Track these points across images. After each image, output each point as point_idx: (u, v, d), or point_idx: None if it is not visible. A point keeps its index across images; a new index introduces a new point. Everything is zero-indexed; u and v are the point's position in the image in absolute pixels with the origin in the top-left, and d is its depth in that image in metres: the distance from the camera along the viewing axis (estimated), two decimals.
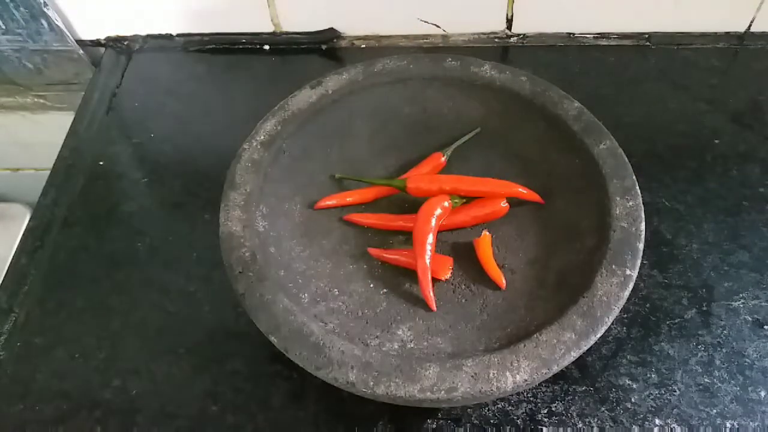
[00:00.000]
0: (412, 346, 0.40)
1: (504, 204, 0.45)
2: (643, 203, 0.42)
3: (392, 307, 0.42)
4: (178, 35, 0.66)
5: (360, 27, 0.64)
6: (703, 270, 0.47)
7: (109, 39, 0.66)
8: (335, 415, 0.42)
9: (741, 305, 0.45)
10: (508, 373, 0.35)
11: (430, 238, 0.43)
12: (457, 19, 0.63)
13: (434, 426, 0.41)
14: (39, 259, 0.51)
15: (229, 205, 0.43)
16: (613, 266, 0.39)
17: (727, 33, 0.62)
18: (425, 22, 0.63)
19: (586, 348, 0.36)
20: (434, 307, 0.42)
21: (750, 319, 0.45)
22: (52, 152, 0.58)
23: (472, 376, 0.35)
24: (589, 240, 0.42)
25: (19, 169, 0.84)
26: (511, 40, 0.64)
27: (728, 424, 0.40)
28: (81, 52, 0.65)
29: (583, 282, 0.39)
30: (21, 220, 0.77)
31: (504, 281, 0.43)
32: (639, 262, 0.39)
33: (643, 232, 0.40)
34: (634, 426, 0.41)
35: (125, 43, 0.66)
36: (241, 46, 0.65)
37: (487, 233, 0.44)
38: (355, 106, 0.49)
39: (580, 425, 0.41)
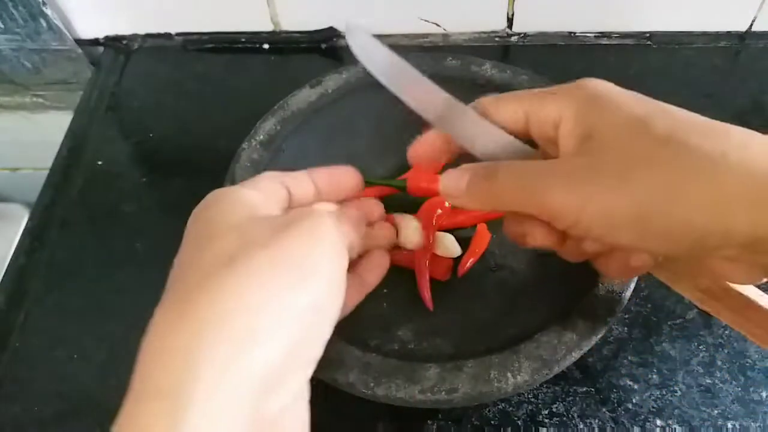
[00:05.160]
0: (412, 346, 0.40)
1: None
2: None
3: (392, 307, 0.42)
4: (177, 34, 0.65)
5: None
6: None
7: (107, 38, 0.66)
8: (335, 415, 0.42)
9: None
10: (508, 374, 0.35)
11: (430, 238, 0.43)
12: (457, 18, 0.62)
13: (435, 427, 0.41)
14: (38, 259, 0.50)
15: None
16: None
17: (729, 32, 0.62)
18: (425, 21, 0.63)
19: (587, 348, 0.36)
20: (431, 307, 0.41)
21: None
22: (50, 152, 0.57)
23: (473, 377, 0.35)
24: None
25: (17, 169, 0.84)
26: (512, 39, 0.63)
27: (729, 425, 0.40)
28: (80, 51, 0.65)
29: (584, 282, 0.39)
30: (19, 220, 0.77)
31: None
32: None
33: None
34: (635, 427, 0.41)
35: (124, 42, 0.66)
36: (240, 46, 0.65)
37: (485, 227, 0.44)
38: (355, 106, 0.49)
39: (581, 426, 0.41)
